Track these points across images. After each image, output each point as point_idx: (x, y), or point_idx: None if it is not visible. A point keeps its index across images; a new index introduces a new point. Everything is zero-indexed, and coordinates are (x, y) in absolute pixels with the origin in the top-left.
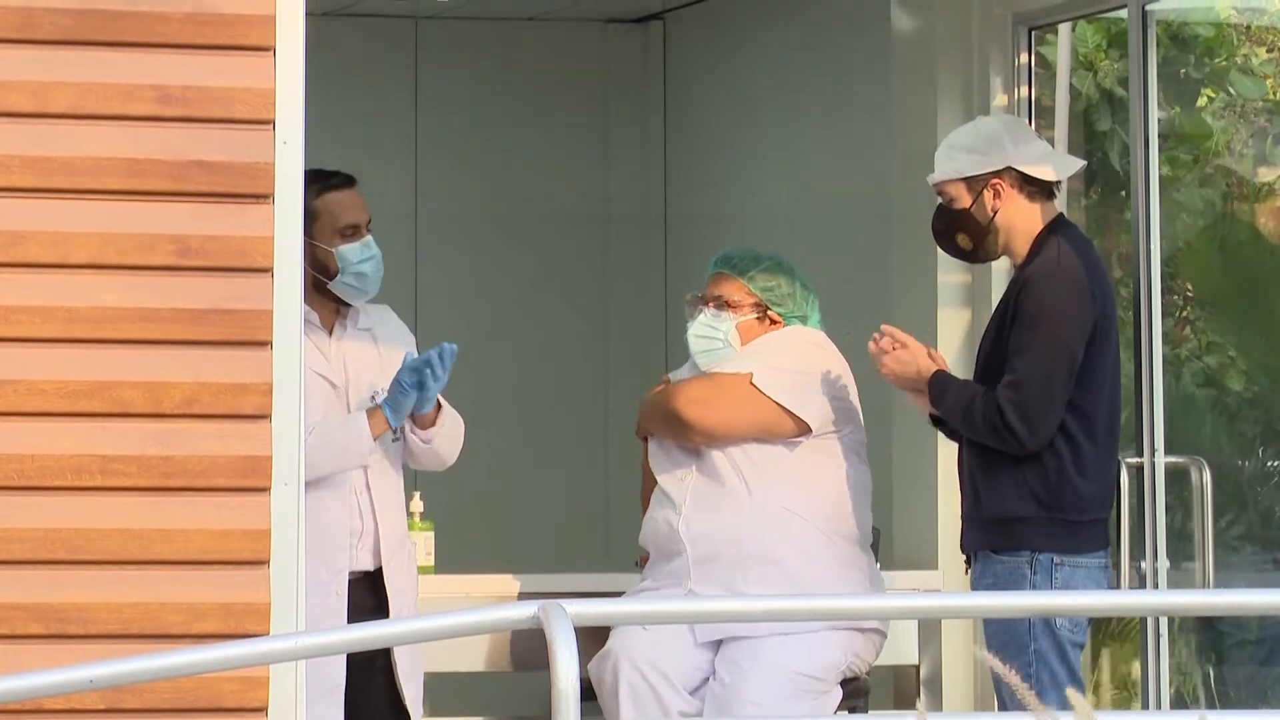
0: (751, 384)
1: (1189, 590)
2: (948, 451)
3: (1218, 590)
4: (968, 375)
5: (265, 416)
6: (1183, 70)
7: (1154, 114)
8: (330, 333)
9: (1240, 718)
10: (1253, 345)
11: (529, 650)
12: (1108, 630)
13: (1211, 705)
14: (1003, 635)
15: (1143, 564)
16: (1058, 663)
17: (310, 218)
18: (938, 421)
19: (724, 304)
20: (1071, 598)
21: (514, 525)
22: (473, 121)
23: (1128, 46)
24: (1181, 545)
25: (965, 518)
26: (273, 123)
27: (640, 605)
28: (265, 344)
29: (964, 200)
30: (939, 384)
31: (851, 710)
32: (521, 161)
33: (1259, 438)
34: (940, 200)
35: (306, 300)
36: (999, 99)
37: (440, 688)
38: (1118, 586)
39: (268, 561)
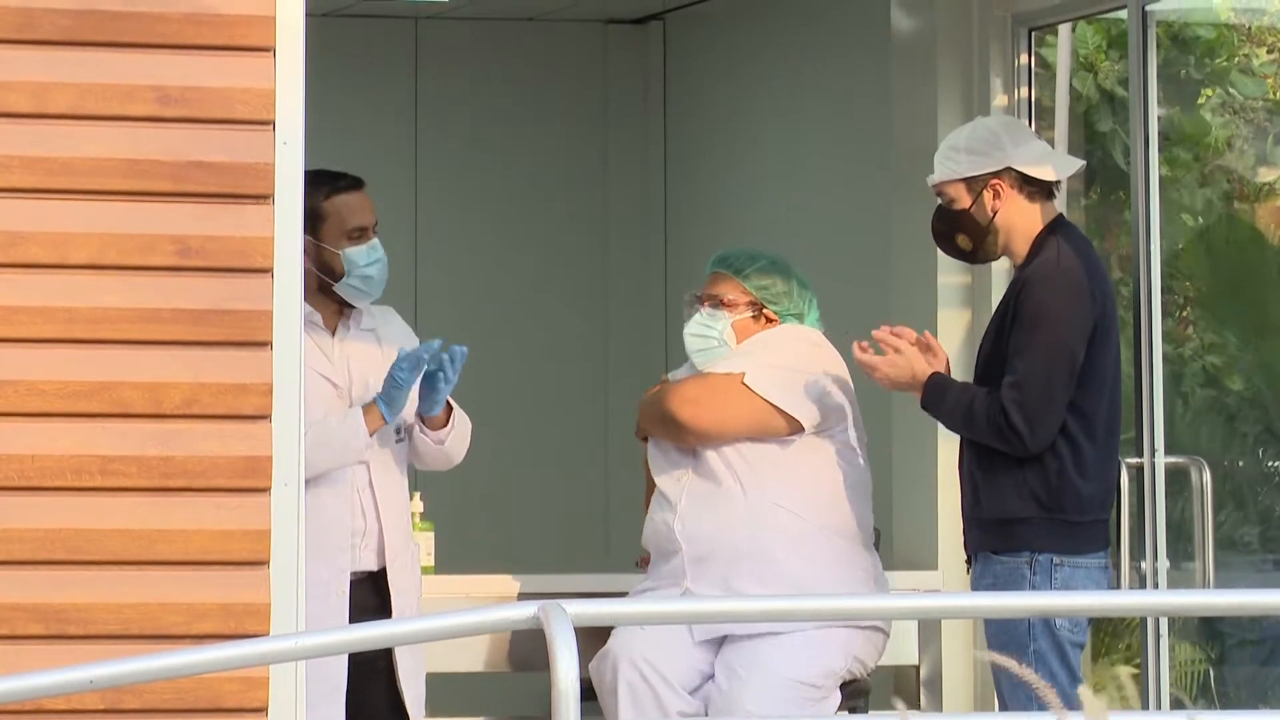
0: (743, 383)
1: (1189, 590)
2: (948, 451)
3: (1218, 590)
4: (967, 376)
5: (265, 417)
6: (1183, 71)
7: (1154, 114)
8: (333, 333)
9: (1237, 718)
10: (1253, 345)
11: (529, 650)
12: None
13: (1211, 705)
14: (1003, 636)
15: (1143, 564)
16: (1057, 663)
17: (318, 219)
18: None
19: (720, 303)
20: (1071, 598)
21: (514, 525)
22: (473, 121)
23: (1128, 47)
24: (1181, 545)
25: (965, 518)
26: (273, 123)
27: (640, 605)
28: (265, 344)
29: (964, 201)
30: (936, 387)
31: (852, 710)
32: (521, 162)
33: (1259, 438)
34: (940, 201)
35: (310, 301)
36: (999, 99)
37: (440, 688)
38: (1118, 587)
39: (268, 562)
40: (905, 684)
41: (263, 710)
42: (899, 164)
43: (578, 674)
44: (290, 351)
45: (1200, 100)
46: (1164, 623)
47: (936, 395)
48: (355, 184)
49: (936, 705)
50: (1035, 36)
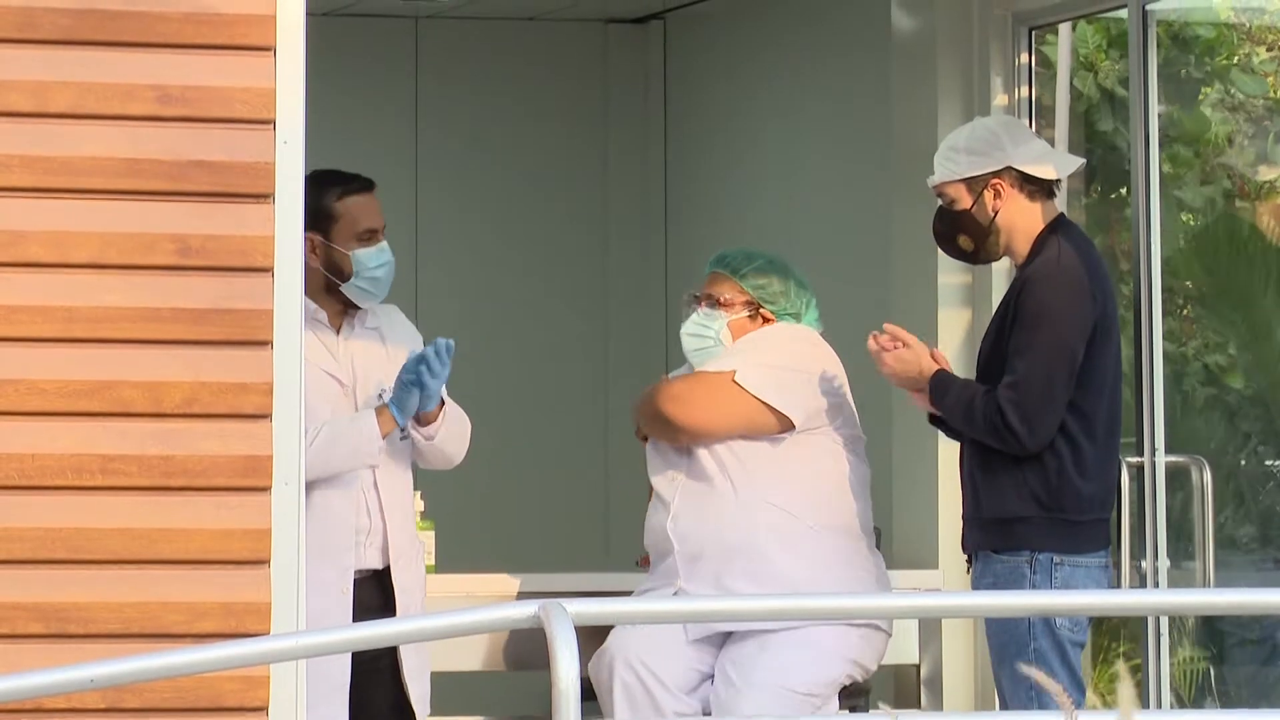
0: (733, 381)
1: (1189, 590)
2: (948, 451)
3: (1218, 590)
4: (968, 375)
5: (266, 416)
6: (1183, 70)
7: (1154, 113)
8: (338, 332)
9: (1232, 718)
10: (1254, 343)
11: (529, 650)
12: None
13: (1211, 705)
14: (1003, 635)
15: (1143, 563)
16: (1058, 663)
17: (330, 219)
18: (937, 421)
19: (717, 303)
20: (1071, 597)
21: (514, 525)
22: (473, 121)
23: (1128, 47)
24: (1182, 544)
25: (965, 518)
26: (273, 123)
27: (640, 605)
28: (266, 344)
29: (964, 201)
30: (940, 383)
31: (852, 709)
32: (521, 161)
33: (1260, 436)
34: (940, 202)
35: (316, 299)
36: (999, 99)
37: (440, 687)
38: (1118, 586)
39: (268, 561)
40: (905, 683)
41: (263, 709)
42: (899, 164)
43: (578, 674)
44: (291, 351)
45: (1200, 98)
46: (1164, 622)
47: (940, 391)
48: (367, 186)
49: (937, 705)
50: (1035, 36)
